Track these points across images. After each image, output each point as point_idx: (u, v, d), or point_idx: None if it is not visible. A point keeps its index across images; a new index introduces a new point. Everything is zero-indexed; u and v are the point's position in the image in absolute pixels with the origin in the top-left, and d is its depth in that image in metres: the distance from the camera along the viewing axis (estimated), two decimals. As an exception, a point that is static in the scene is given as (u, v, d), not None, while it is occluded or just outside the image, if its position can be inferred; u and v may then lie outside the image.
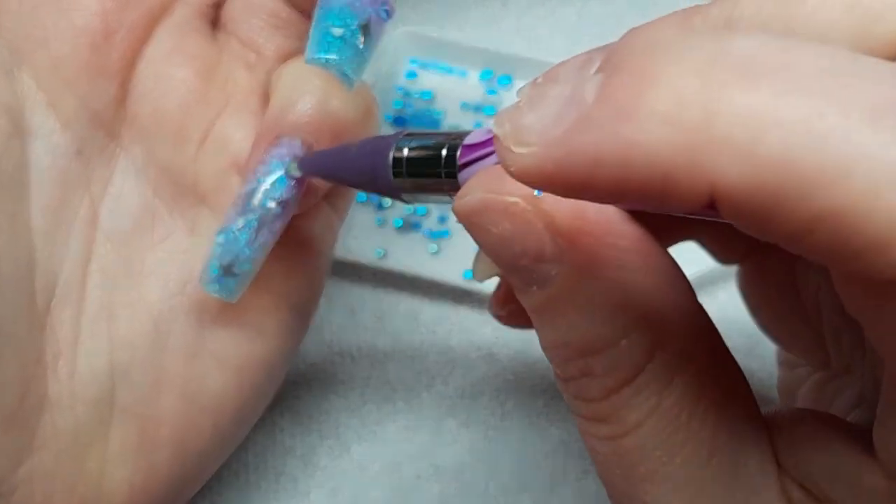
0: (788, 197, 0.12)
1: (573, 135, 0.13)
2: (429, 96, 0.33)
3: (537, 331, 0.17)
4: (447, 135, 0.19)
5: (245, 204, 0.22)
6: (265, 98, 0.24)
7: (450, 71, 0.33)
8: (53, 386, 0.21)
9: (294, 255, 0.24)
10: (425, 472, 0.28)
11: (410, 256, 0.31)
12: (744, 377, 0.17)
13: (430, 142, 0.19)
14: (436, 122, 0.32)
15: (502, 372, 0.30)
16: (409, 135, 0.19)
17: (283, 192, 0.22)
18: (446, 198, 0.19)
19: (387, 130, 0.32)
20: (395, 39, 0.33)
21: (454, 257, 0.31)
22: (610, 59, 0.15)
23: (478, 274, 0.20)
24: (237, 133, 0.23)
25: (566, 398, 0.18)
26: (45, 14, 0.22)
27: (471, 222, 0.17)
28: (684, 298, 0.17)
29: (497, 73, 0.33)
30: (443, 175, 0.18)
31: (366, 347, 0.30)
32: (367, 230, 0.31)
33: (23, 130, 0.22)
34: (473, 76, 0.33)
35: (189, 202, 0.23)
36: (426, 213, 0.31)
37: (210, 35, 0.24)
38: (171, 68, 0.23)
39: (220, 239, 0.22)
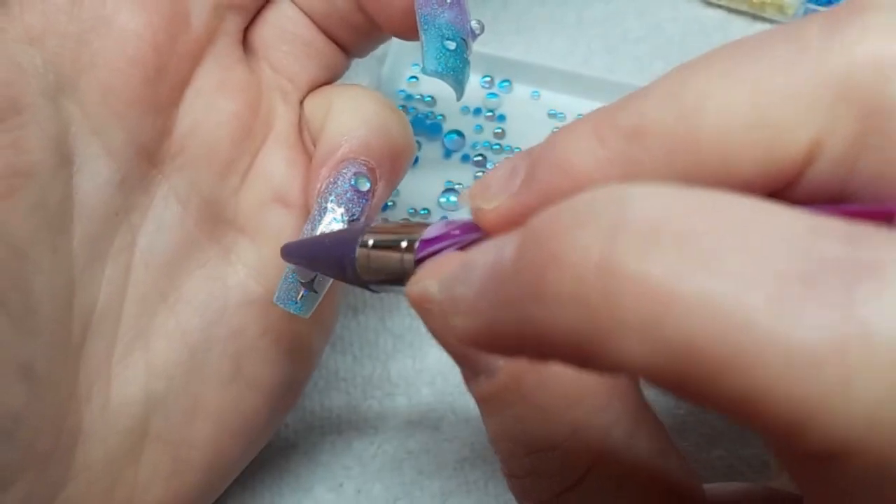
0: (699, 379, 0.11)
1: (496, 311, 0.13)
2: (429, 100, 0.33)
3: (484, 422, 0.17)
4: (407, 226, 0.19)
5: (315, 223, 0.22)
6: (298, 128, 0.24)
7: (450, 74, 0.34)
8: (87, 417, 0.21)
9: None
10: (427, 468, 0.29)
11: (412, 256, 0.31)
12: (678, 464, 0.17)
13: (391, 238, 0.18)
14: (437, 126, 0.33)
15: (502, 370, 0.30)
16: (371, 230, 0.19)
17: (354, 210, 0.22)
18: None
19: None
20: (397, 44, 0.33)
21: (455, 257, 0.31)
22: (527, 192, 0.15)
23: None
24: (279, 166, 0.23)
25: (515, 496, 0.17)
26: (95, 39, 0.21)
27: (418, 309, 0.16)
28: (620, 385, 0.16)
29: (497, 77, 0.34)
30: (404, 272, 0.18)
31: (368, 346, 0.30)
32: (369, 231, 0.32)
33: (68, 161, 0.21)
34: (474, 80, 0.34)
35: (228, 233, 0.23)
36: (428, 214, 0.32)
37: (248, 64, 0.24)
38: (218, 100, 0.23)
39: (290, 273, 0.22)
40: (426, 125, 0.33)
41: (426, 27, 0.22)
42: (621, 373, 0.12)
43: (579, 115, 0.33)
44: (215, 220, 0.23)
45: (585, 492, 0.16)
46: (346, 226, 0.22)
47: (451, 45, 0.22)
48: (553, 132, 0.16)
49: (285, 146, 0.24)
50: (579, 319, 0.12)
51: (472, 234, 0.17)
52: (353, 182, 0.22)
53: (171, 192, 0.23)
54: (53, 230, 0.21)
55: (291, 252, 0.22)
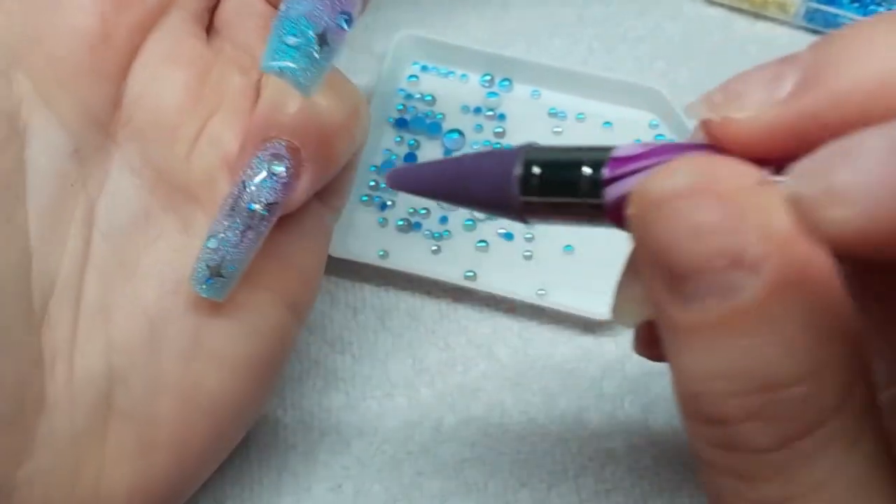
0: None
1: None
2: (430, 99, 0.33)
3: (688, 358, 0.14)
4: (584, 149, 0.17)
5: (231, 207, 0.22)
6: (257, 101, 0.24)
7: (450, 74, 0.34)
8: (51, 388, 0.21)
9: (288, 252, 0.24)
10: (426, 468, 0.29)
11: (411, 256, 0.31)
12: None
13: (566, 156, 0.16)
14: (437, 125, 0.33)
15: (502, 370, 0.30)
16: (535, 148, 0.17)
17: (268, 195, 0.22)
18: (581, 220, 0.17)
19: (386, 133, 0.33)
20: (397, 43, 0.33)
21: (455, 257, 0.31)
22: (809, 97, 0.14)
23: (623, 316, 0.18)
24: (228, 133, 0.23)
25: (705, 451, 0.15)
26: (42, 14, 0.22)
27: (664, 207, 0.14)
28: (862, 341, 0.14)
29: (497, 76, 0.33)
30: (582, 194, 0.16)
31: (367, 346, 0.30)
32: (368, 230, 0.31)
33: (19, 132, 0.22)
34: (474, 79, 0.34)
35: (182, 201, 0.23)
36: (427, 214, 0.32)
37: (204, 39, 0.24)
38: (166, 70, 0.23)
39: (210, 243, 0.22)
40: (426, 124, 0.33)
41: (277, 18, 0.21)
42: None
43: (579, 114, 0.33)
44: (169, 189, 0.23)
45: (822, 439, 0.14)
46: (262, 209, 0.22)
47: (292, 41, 0.21)
48: (832, 33, 0.14)
49: (238, 116, 0.24)
50: None
51: (682, 153, 0.15)
52: (268, 165, 0.22)
53: (124, 162, 0.23)
54: (7, 200, 0.21)
55: (402, 179, 0.19)
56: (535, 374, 0.30)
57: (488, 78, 0.33)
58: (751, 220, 0.14)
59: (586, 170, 0.16)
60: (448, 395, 0.30)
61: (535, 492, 0.28)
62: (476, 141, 0.33)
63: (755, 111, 0.14)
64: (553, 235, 0.31)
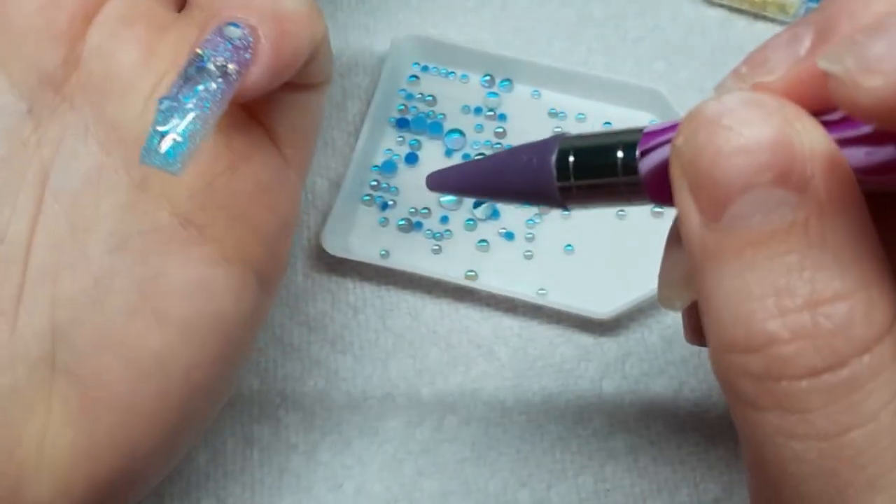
0: None
1: None
2: (430, 99, 0.33)
3: (727, 281, 0.14)
4: (614, 133, 0.17)
5: (185, 70, 0.21)
6: None
7: (451, 74, 0.34)
8: None
9: (240, 204, 0.23)
10: (426, 468, 0.29)
11: (412, 256, 0.31)
12: None
13: (599, 141, 0.17)
14: (438, 125, 0.33)
15: (502, 370, 0.30)
16: (568, 138, 0.18)
17: (223, 56, 0.21)
18: (618, 199, 0.17)
19: (388, 133, 0.33)
20: (397, 43, 0.33)
21: (455, 257, 0.31)
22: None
23: (669, 300, 0.18)
24: None
25: (744, 386, 0.14)
26: None
27: (715, 125, 0.14)
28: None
29: (497, 77, 0.34)
30: (617, 173, 0.17)
31: (368, 345, 0.30)
32: (369, 230, 0.32)
33: None
34: (474, 79, 0.34)
35: (136, 159, 0.22)
36: (428, 213, 0.32)
37: (167, 4, 0.24)
38: (122, 28, 0.23)
39: (161, 105, 0.21)
40: (427, 124, 0.33)
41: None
42: None
43: (579, 114, 0.33)
44: (123, 147, 0.23)
45: (877, 359, 0.13)
46: (216, 71, 0.21)
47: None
48: None
49: None
50: None
51: None
52: (222, 30, 0.21)
53: (80, 122, 0.23)
54: None
55: (442, 179, 0.20)
56: (535, 374, 0.30)
57: (488, 78, 0.34)
58: (796, 139, 0.14)
59: (619, 152, 0.17)
60: (448, 395, 0.30)
61: (535, 491, 0.28)
62: (477, 141, 0.33)
63: (783, 71, 0.15)
64: (553, 235, 0.31)
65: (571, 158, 0.18)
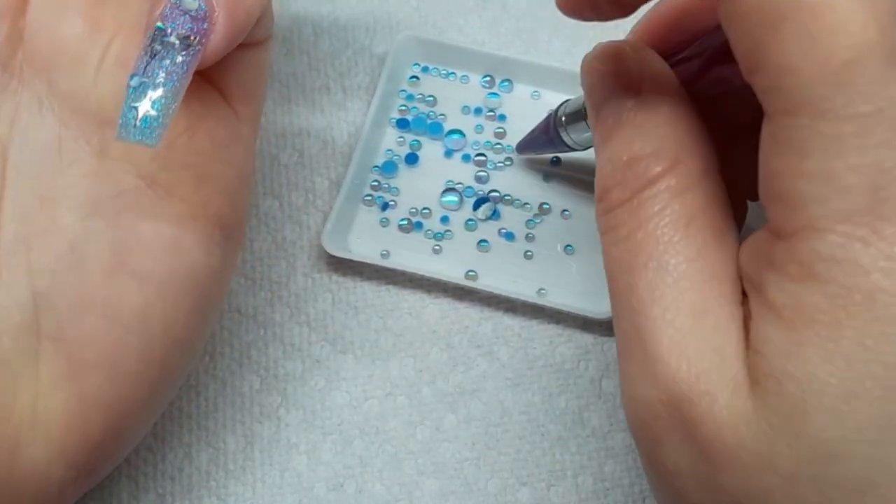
0: None
1: None
2: (431, 100, 0.33)
3: (600, 153, 0.22)
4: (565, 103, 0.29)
5: (148, 45, 0.22)
6: None
7: (451, 75, 0.34)
8: None
9: (202, 163, 0.24)
10: (427, 467, 0.29)
11: (413, 256, 0.31)
12: (731, 213, 0.21)
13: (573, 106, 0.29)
14: (438, 126, 0.33)
15: (502, 370, 0.30)
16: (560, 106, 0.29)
17: (183, 28, 0.22)
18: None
19: (388, 133, 0.33)
20: (398, 44, 0.34)
21: (456, 257, 0.31)
22: None
23: None
24: (132, 53, 0.23)
25: (600, 223, 0.21)
26: None
27: (585, 63, 0.24)
28: (706, 141, 0.21)
29: (497, 77, 0.34)
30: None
31: (368, 345, 0.30)
32: (370, 230, 0.32)
33: None
34: (474, 80, 0.34)
35: (94, 126, 0.24)
36: (428, 213, 0.32)
37: None
38: (62, 1, 0.24)
39: (132, 81, 0.22)
40: (427, 125, 0.33)
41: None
42: None
43: (579, 115, 0.33)
44: (80, 117, 0.24)
45: (656, 191, 0.20)
46: (177, 43, 0.22)
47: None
48: None
49: (139, 35, 0.24)
50: None
51: None
52: (179, 4, 0.22)
53: (33, 97, 0.24)
54: None
55: (524, 147, 0.32)
56: (535, 374, 0.30)
57: (488, 79, 0.34)
58: (632, 66, 0.23)
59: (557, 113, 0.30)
60: (449, 395, 0.30)
61: (535, 491, 0.28)
62: (477, 141, 0.33)
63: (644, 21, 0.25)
64: (553, 235, 0.32)
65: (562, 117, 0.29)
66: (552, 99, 0.33)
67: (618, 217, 0.20)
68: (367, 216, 0.32)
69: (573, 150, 0.30)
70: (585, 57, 0.23)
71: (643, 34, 0.24)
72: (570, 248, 0.31)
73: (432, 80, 0.34)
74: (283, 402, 0.30)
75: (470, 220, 0.32)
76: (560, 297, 0.30)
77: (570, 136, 0.29)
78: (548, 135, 0.30)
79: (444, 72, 0.34)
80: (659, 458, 0.19)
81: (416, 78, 0.34)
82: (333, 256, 0.31)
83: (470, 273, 0.31)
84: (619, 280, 0.20)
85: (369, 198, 0.32)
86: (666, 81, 0.21)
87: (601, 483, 0.29)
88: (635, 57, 0.22)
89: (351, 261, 0.31)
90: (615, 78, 0.22)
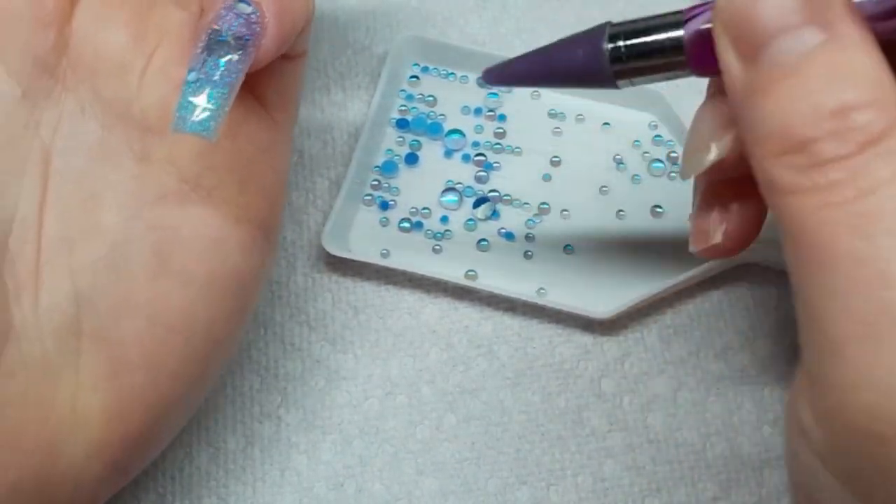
0: None
1: None
2: (431, 100, 0.33)
3: (778, 101, 0.18)
4: (650, 17, 0.21)
5: (205, 44, 0.23)
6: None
7: (451, 75, 0.34)
8: (17, 316, 0.22)
9: (245, 165, 0.25)
10: (426, 467, 0.29)
11: (413, 255, 0.31)
12: None
13: (643, 24, 0.21)
14: (438, 126, 0.33)
15: (502, 369, 0.30)
16: (614, 24, 0.21)
17: (239, 30, 0.23)
18: (671, 73, 0.21)
19: (388, 133, 0.33)
20: (398, 44, 0.34)
21: (455, 256, 0.31)
22: None
23: (691, 165, 0.22)
24: (174, 62, 0.24)
25: (789, 178, 0.18)
26: None
27: None
28: None
29: (498, 76, 0.34)
30: (668, 50, 0.21)
31: (368, 345, 0.30)
32: (370, 230, 0.32)
33: None
34: (474, 79, 0.34)
35: (138, 133, 0.24)
36: (428, 213, 0.32)
37: None
38: (107, 11, 0.25)
39: (190, 76, 0.23)
40: (427, 125, 0.33)
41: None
42: None
43: (579, 115, 0.33)
44: (122, 124, 0.24)
45: (885, 147, 0.17)
46: (233, 43, 0.23)
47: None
48: None
49: (181, 46, 0.25)
50: None
51: None
52: (234, 7, 0.23)
53: (76, 103, 0.24)
54: None
55: (498, 73, 0.24)
56: (535, 373, 0.30)
57: (489, 78, 0.34)
58: None
59: (665, 33, 0.21)
60: (448, 395, 0.30)
61: (535, 490, 0.29)
62: (477, 141, 0.33)
63: None
64: (553, 235, 0.32)
65: (622, 42, 0.21)
66: (552, 99, 0.33)
67: (835, 173, 0.17)
68: (367, 216, 0.32)
69: (600, 87, 0.23)
70: None
71: None
72: (569, 247, 0.31)
73: (432, 80, 0.34)
74: (283, 401, 0.30)
75: (470, 219, 0.32)
76: (560, 297, 0.30)
77: (630, 78, 0.22)
78: (575, 65, 0.22)
79: (444, 72, 0.34)
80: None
81: (416, 78, 0.34)
82: (333, 256, 0.31)
83: (469, 273, 0.31)
84: (841, 246, 0.17)
85: (369, 198, 0.32)
86: (854, 13, 0.18)
87: (600, 483, 0.29)
88: None
89: (351, 260, 0.31)
90: (798, 6, 0.18)
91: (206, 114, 0.22)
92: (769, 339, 0.30)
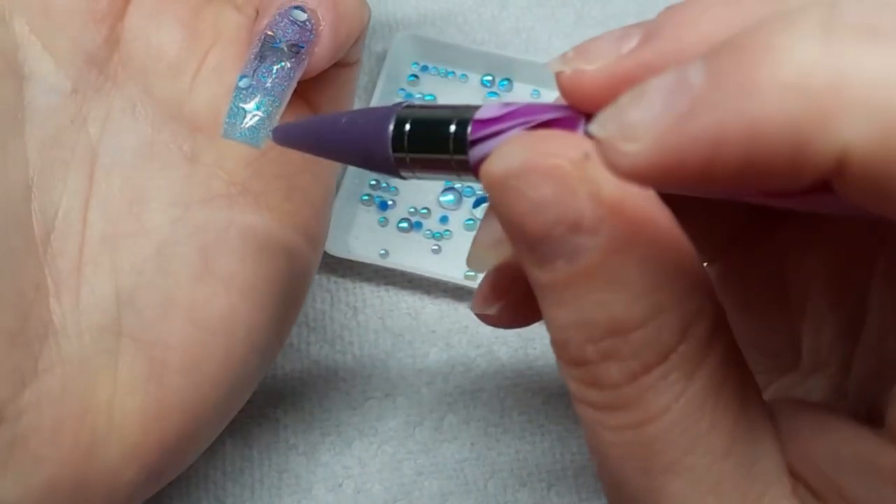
0: None
1: (688, 121, 0.13)
2: (430, 99, 0.33)
3: (551, 311, 0.16)
4: (452, 108, 0.17)
5: (258, 50, 0.23)
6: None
7: (450, 74, 0.34)
8: (57, 312, 0.22)
9: (292, 173, 0.25)
10: (426, 468, 0.29)
11: (412, 256, 0.31)
12: (749, 369, 0.17)
13: (435, 115, 0.17)
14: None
15: (501, 370, 0.30)
16: (408, 107, 0.18)
17: (293, 36, 0.23)
18: (450, 175, 0.18)
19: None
20: (397, 43, 0.33)
21: (455, 257, 0.31)
22: (649, 50, 0.15)
23: (476, 262, 0.20)
24: (228, 63, 0.24)
25: (574, 388, 0.16)
26: None
27: (504, 186, 0.15)
28: (707, 284, 0.16)
29: (497, 76, 0.34)
30: (450, 151, 0.17)
31: (368, 345, 0.30)
32: (369, 230, 0.32)
33: (17, 71, 0.23)
34: (474, 79, 0.34)
35: (187, 133, 0.24)
36: (428, 213, 0.32)
37: None
38: (161, 9, 0.24)
39: (241, 83, 0.23)
40: (426, 124, 0.33)
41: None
42: (828, 170, 0.12)
43: (579, 114, 0.33)
44: (173, 123, 0.24)
45: (663, 373, 0.15)
46: (286, 50, 0.23)
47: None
48: (678, 3, 0.16)
49: (235, 48, 0.25)
50: (802, 107, 0.12)
51: (539, 114, 0.16)
52: (288, 13, 0.23)
53: (126, 100, 0.24)
54: (3, 130, 0.22)
55: (289, 134, 0.20)
56: (535, 374, 0.30)
57: (489, 78, 0.34)
58: (582, 189, 0.15)
59: (452, 128, 0.17)
60: (448, 395, 0.30)
61: (535, 491, 0.28)
62: (476, 141, 0.33)
63: (601, 63, 0.16)
64: (553, 235, 0.31)
65: (407, 128, 0.17)
66: (551, 98, 0.33)
67: (619, 398, 0.16)
68: (366, 216, 0.32)
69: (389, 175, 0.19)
70: (489, 164, 0.15)
71: (606, 80, 0.16)
72: (569, 247, 0.31)
73: (432, 80, 0.34)
74: (282, 402, 0.29)
75: (469, 219, 0.32)
76: (560, 297, 0.30)
77: (414, 171, 0.18)
78: (361, 146, 0.18)
79: (444, 71, 0.34)
80: None
81: (416, 77, 0.34)
82: (333, 256, 0.30)
83: (469, 273, 0.31)
84: (631, 481, 0.16)
85: (368, 198, 0.32)
86: (634, 206, 0.15)
87: (601, 483, 0.28)
88: (576, 174, 0.15)
89: (350, 261, 0.31)
90: (557, 206, 0.15)
91: (256, 120, 0.22)
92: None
